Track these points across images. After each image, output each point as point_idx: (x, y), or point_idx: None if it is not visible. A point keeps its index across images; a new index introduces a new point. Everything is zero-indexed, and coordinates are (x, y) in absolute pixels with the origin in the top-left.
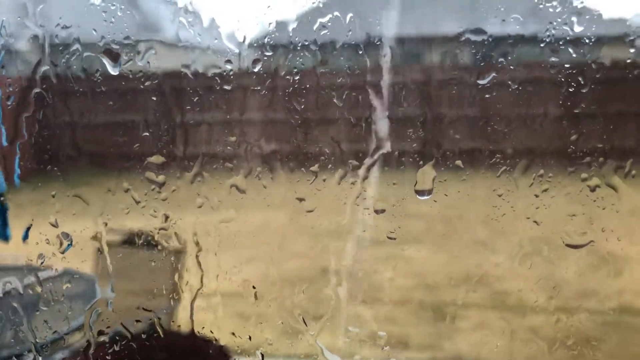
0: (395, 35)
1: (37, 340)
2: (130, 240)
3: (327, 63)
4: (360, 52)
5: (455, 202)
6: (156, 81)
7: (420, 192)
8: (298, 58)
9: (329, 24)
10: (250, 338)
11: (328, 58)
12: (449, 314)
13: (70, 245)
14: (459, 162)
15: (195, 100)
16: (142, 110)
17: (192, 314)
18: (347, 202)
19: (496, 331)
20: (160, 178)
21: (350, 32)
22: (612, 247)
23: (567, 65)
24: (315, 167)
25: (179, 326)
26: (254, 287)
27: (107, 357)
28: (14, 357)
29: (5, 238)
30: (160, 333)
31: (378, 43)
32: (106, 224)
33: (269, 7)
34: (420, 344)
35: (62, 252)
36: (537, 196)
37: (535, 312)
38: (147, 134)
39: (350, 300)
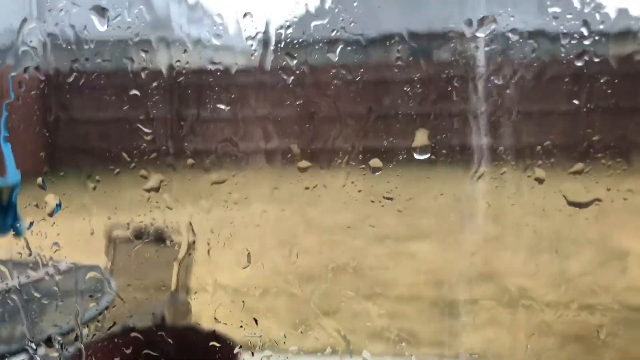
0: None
1: (45, 334)
2: (137, 235)
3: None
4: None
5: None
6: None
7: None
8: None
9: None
10: (255, 333)
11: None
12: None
13: (58, 207)
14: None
15: (200, 95)
16: (148, 107)
17: (190, 308)
18: (357, 196)
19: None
20: (166, 172)
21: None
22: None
23: None
24: (323, 162)
25: (186, 320)
26: (259, 281)
27: (113, 351)
28: (21, 351)
29: (18, 233)
30: (166, 327)
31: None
32: (111, 218)
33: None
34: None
35: (51, 215)
36: None
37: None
38: (153, 128)
39: (357, 295)
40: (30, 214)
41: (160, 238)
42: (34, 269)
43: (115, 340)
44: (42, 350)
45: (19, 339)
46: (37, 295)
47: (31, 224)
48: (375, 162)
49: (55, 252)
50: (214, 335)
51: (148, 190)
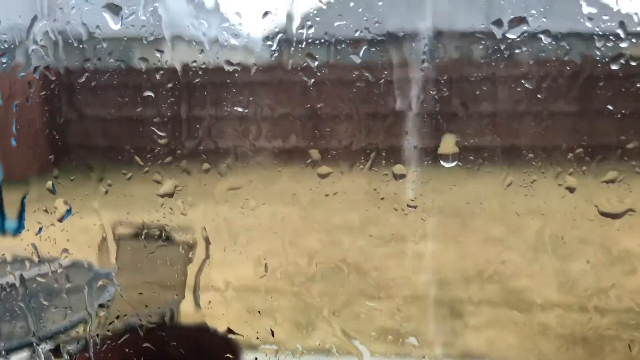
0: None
1: (46, 331)
2: (141, 233)
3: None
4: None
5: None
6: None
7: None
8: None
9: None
10: (259, 332)
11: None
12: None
13: (69, 212)
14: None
15: (206, 94)
16: (162, 108)
17: (196, 306)
18: (362, 196)
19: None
20: (172, 171)
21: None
22: None
23: None
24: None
25: (189, 319)
26: (263, 278)
27: (115, 349)
28: (23, 348)
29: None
30: (169, 326)
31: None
32: (116, 217)
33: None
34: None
35: (60, 220)
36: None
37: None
38: (159, 126)
39: (362, 295)
40: (40, 218)
41: (162, 237)
42: (35, 265)
43: (115, 338)
44: (47, 346)
45: (24, 335)
46: (34, 293)
47: (40, 229)
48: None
49: (65, 257)
50: (215, 334)
51: (162, 196)
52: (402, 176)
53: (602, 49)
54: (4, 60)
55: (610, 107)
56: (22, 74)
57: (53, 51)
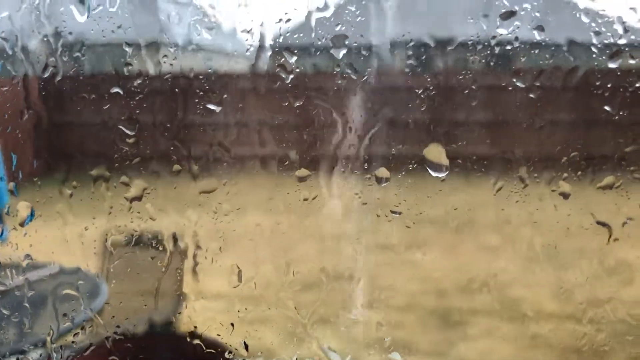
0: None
1: (41, 337)
2: (132, 241)
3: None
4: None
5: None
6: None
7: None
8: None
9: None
10: (246, 342)
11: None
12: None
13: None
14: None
15: (198, 99)
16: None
17: (185, 315)
18: (355, 204)
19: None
20: (162, 177)
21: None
22: None
23: None
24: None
25: (179, 327)
26: (255, 288)
27: (107, 356)
28: (18, 354)
29: None
30: (161, 334)
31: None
32: (107, 225)
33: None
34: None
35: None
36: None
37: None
38: (149, 131)
39: (356, 304)
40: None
41: (153, 245)
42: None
43: (107, 346)
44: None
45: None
46: (29, 300)
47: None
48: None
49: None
50: (206, 342)
51: (130, 200)
52: (387, 180)
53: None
54: None
55: (608, 109)
56: None
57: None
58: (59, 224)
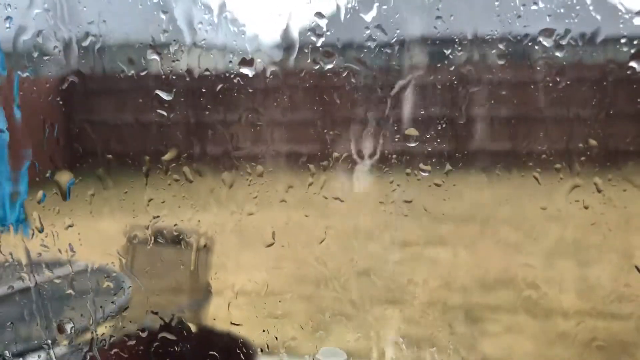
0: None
1: (63, 334)
2: (156, 237)
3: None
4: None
5: None
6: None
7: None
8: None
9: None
10: (273, 337)
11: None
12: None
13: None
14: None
15: (217, 99)
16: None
17: (212, 311)
18: (375, 202)
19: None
20: (185, 175)
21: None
22: None
23: None
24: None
25: (203, 322)
26: (277, 286)
27: (129, 352)
28: (39, 349)
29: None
30: (184, 329)
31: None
32: (132, 221)
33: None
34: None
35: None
36: None
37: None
38: (170, 130)
39: (375, 301)
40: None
41: (177, 241)
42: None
43: (130, 342)
44: (58, 348)
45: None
46: (53, 295)
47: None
48: None
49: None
50: (229, 337)
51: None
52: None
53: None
54: None
55: None
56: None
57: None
58: (86, 221)
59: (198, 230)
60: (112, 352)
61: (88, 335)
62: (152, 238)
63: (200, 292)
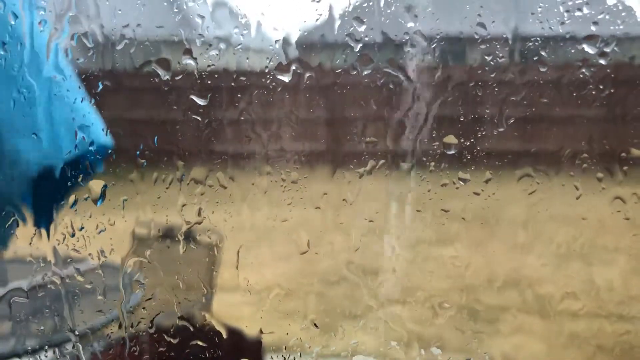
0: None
1: (75, 331)
2: (167, 234)
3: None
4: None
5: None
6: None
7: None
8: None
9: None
10: (281, 334)
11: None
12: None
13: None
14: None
15: (235, 97)
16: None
17: (221, 308)
18: (384, 200)
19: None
20: (197, 173)
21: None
22: None
23: None
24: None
25: (213, 320)
26: (288, 283)
27: (140, 348)
28: (53, 346)
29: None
30: (194, 326)
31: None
32: (142, 218)
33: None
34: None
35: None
36: None
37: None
38: (186, 129)
39: (385, 300)
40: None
41: (188, 238)
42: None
43: (140, 339)
44: (84, 340)
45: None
46: (64, 293)
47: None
48: None
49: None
50: (240, 335)
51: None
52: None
53: None
54: None
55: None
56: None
57: None
58: (101, 219)
59: (231, 235)
60: (130, 350)
61: (107, 331)
62: (183, 242)
63: (207, 289)
